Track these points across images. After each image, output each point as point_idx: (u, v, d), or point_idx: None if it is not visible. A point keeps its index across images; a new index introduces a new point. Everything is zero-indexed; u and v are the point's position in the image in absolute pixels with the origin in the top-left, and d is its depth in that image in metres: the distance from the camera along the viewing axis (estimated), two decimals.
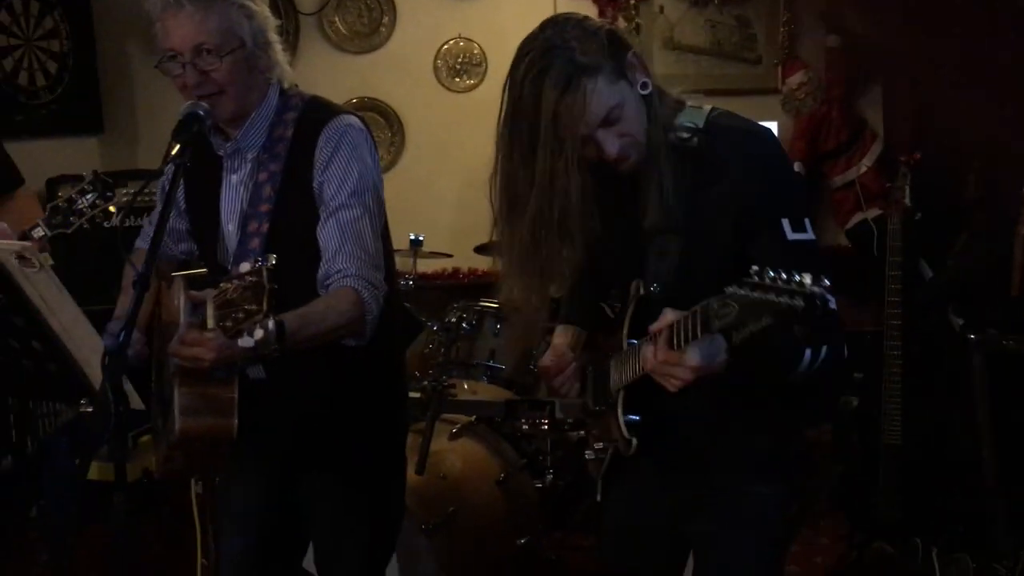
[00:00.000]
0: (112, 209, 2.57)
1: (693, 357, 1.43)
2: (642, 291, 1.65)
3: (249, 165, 1.95)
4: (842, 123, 4.54)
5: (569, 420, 3.28)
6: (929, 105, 4.29)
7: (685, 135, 1.59)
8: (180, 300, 1.73)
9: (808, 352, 1.51)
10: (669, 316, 1.48)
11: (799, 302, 1.22)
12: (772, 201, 1.56)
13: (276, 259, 1.49)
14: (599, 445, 1.87)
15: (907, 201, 3.13)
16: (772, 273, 1.25)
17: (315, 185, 1.90)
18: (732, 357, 1.47)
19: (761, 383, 1.65)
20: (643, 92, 1.59)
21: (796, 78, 4.60)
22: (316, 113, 1.97)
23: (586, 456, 1.92)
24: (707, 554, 1.80)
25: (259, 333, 1.47)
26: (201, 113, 1.83)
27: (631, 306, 1.68)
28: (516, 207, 1.64)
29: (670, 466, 1.78)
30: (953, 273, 3.47)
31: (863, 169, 4.50)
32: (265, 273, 1.47)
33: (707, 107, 1.65)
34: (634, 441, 1.68)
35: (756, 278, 1.25)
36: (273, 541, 2.10)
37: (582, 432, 3.41)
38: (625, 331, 1.71)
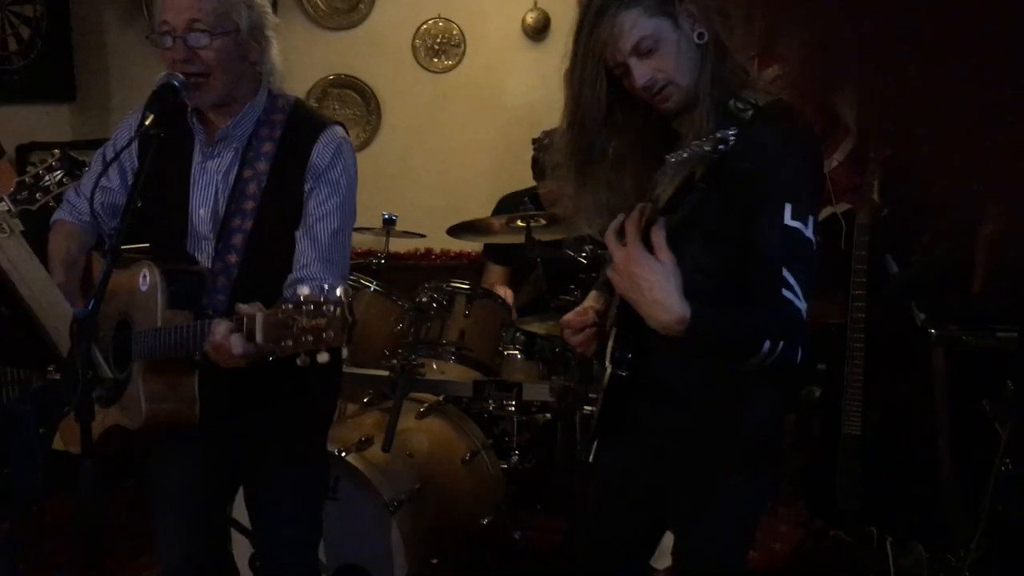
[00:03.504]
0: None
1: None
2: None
3: (231, 155, 1.96)
4: (816, 118, 4.59)
5: (536, 403, 3.31)
6: (903, 103, 4.34)
7: (742, 106, 1.64)
8: (156, 284, 1.82)
9: (767, 343, 1.57)
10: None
11: (707, 147, 1.42)
12: (785, 185, 1.61)
13: (347, 292, 1.59)
14: (594, 395, 1.91)
15: (875, 196, 3.18)
16: (703, 140, 1.45)
17: (306, 188, 1.93)
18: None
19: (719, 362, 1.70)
20: (698, 41, 1.66)
21: (771, 71, 4.63)
22: (307, 117, 2.01)
23: (585, 411, 1.95)
24: (684, 536, 1.84)
25: (323, 357, 1.56)
26: (176, 84, 1.83)
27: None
28: (566, 108, 1.76)
29: (651, 432, 1.81)
30: (918, 269, 3.52)
31: (834, 163, 4.55)
32: (346, 308, 1.55)
33: (776, 96, 1.69)
34: (609, 368, 1.74)
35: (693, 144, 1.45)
36: (207, 519, 2.15)
37: (548, 415, 3.44)
38: None
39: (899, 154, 3.34)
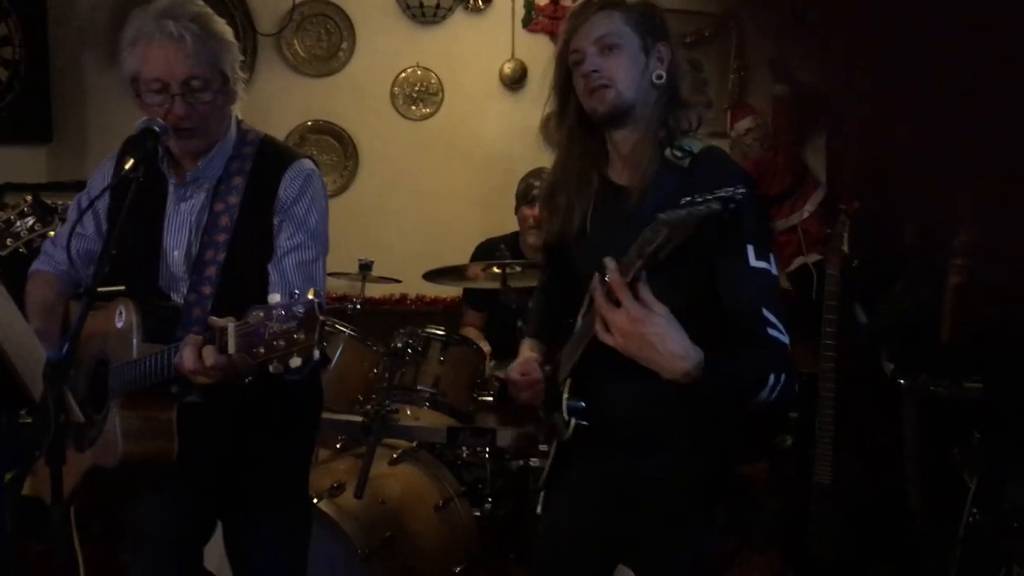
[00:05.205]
0: (52, 234, 2.53)
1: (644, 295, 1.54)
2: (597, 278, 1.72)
3: (203, 195, 1.97)
4: (787, 169, 4.66)
5: (509, 450, 3.30)
6: (870, 155, 4.43)
7: (679, 154, 1.73)
8: (131, 319, 1.78)
9: (772, 377, 1.60)
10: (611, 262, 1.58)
11: (716, 205, 1.43)
12: (741, 228, 1.65)
13: (316, 293, 1.56)
14: (543, 447, 1.93)
15: (845, 248, 3.23)
16: (699, 197, 1.46)
17: (275, 222, 1.94)
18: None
19: (726, 408, 1.73)
20: (655, 80, 1.75)
21: (744, 123, 4.72)
22: (275, 151, 2.03)
23: (530, 464, 1.96)
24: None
25: (296, 361, 1.53)
26: (157, 129, 1.84)
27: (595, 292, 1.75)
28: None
29: (610, 476, 1.82)
30: (887, 319, 3.57)
31: (806, 214, 4.63)
32: (316, 307, 1.53)
33: (709, 143, 1.78)
34: (572, 421, 1.75)
35: (683, 202, 1.46)
36: (180, 561, 2.12)
37: (522, 461, 3.44)
38: (581, 313, 1.78)
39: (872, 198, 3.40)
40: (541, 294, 2.14)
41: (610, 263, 1.55)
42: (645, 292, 1.54)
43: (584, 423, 1.76)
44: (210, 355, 1.62)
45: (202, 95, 1.86)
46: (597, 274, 1.60)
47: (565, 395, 1.79)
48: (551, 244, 1.96)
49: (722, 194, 1.44)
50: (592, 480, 1.85)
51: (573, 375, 1.78)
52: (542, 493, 1.98)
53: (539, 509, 1.99)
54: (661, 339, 1.52)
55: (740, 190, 1.45)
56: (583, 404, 1.77)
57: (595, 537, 1.87)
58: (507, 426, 3.24)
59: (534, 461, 1.99)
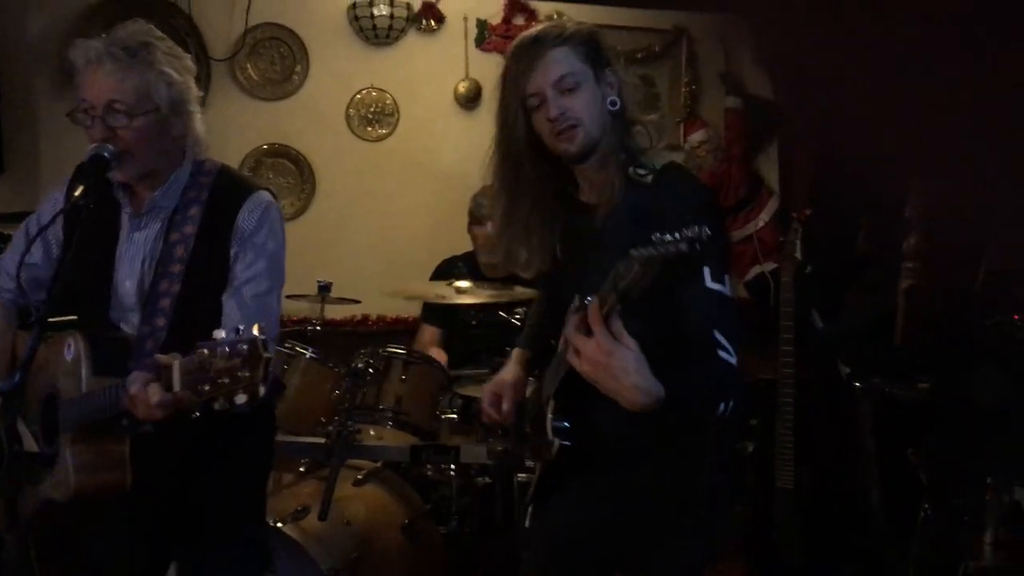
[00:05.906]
0: None
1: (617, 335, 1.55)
2: (576, 304, 1.74)
3: (159, 225, 1.97)
4: (741, 180, 4.73)
5: (475, 466, 3.30)
6: (822, 164, 4.51)
7: (642, 171, 1.77)
8: (80, 351, 1.78)
9: (722, 405, 1.65)
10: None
11: (684, 246, 1.44)
12: (699, 248, 1.67)
13: (261, 330, 1.54)
14: (530, 463, 1.95)
15: (798, 255, 3.29)
16: (668, 235, 1.45)
17: (232, 252, 1.94)
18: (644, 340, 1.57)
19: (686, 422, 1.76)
20: (610, 108, 1.78)
21: (697, 136, 4.79)
22: (233, 181, 2.03)
23: (517, 479, 1.98)
24: None
25: (241, 398, 1.52)
26: (106, 155, 1.84)
27: (570, 319, 1.77)
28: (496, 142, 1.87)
29: (599, 491, 1.85)
30: (842, 324, 3.63)
31: (761, 224, 4.70)
32: (260, 344, 1.51)
33: (670, 158, 1.83)
34: (556, 442, 1.77)
35: (654, 240, 1.46)
36: None
37: (487, 479, 3.44)
38: (562, 341, 1.79)
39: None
40: (538, 306, 2.20)
41: (592, 300, 1.58)
42: (616, 325, 1.56)
43: (568, 443, 1.79)
44: (156, 393, 1.61)
45: (122, 119, 1.86)
46: (574, 301, 1.64)
47: (550, 415, 1.80)
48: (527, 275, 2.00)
49: (690, 234, 1.46)
50: (584, 493, 1.87)
51: (557, 394, 1.81)
52: (529, 508, 2.00)
53: (527, 523, 2.00)
54: (626, 373, 1.55)
55: (706, 231, 1.45)
56: (567, 424, 1.80)
57: (588, 549, 1.88)
58: (471, 442, 3.24)
59: (521, 476, 2.02)
